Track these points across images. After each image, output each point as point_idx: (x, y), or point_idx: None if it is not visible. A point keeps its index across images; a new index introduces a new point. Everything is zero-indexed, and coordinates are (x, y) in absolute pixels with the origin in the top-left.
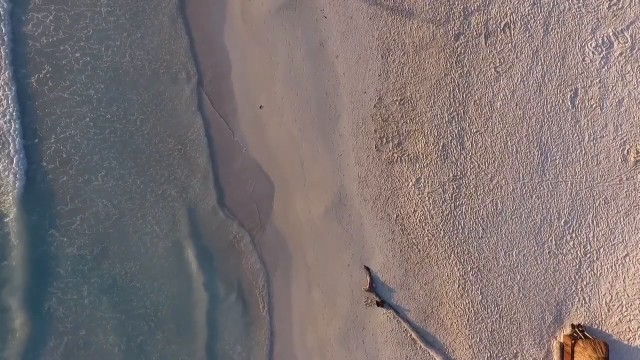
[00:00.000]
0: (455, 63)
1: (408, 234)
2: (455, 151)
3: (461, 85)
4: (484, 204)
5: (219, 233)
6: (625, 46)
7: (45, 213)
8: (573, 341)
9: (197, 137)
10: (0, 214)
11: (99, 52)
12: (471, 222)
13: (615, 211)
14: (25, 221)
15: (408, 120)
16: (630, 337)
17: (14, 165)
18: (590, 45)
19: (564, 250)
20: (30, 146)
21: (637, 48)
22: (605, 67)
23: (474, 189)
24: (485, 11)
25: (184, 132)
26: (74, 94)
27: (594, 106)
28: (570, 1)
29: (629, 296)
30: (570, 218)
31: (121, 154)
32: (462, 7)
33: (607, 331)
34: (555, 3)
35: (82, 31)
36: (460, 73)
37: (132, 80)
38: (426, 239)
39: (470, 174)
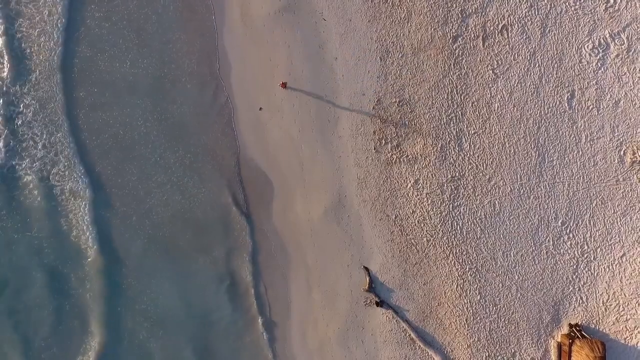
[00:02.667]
0: (454, 65)
1: (407, 234)
2: (453, 152)
3: (459, 87)
4: (482, 205)
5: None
6: (621, 48)
7: None
8: (570, 340)
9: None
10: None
11: None
12: (469, 223)
13: (612, 211)
14: None
15: (407, 122)
16: (627, 337)
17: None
18: (587, 47)
19: (562, 251)
20: None
21: (633, 50)
22: (602, 69)
23: (472, 189)
24: (483, 14)
25: None
26: None
27: (590, 107)
28: (567, 3)
29: (625, 296)
30: (567, 218)
31: None
32: (460, 9)
33: (604, 330)
34: (552, 5)
35: None
36: (458, 75)
37: None
38: (425, 239)
39: (469, 175)
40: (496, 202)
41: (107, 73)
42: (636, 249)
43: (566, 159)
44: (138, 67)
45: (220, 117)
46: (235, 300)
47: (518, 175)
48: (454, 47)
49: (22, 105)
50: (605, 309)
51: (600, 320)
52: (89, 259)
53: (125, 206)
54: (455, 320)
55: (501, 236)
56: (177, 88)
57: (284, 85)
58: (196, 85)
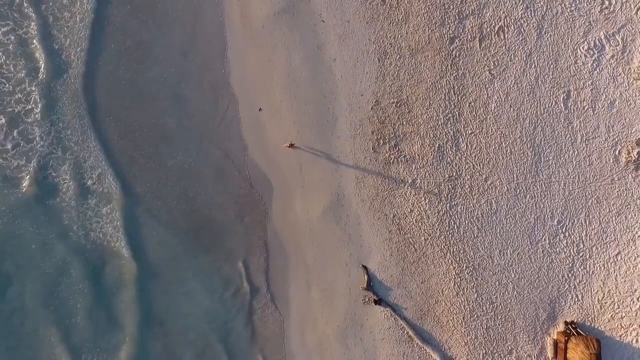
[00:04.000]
0: (451, 66)
1: (405, 233)
2: (450, 152)
3: (456, 87)
4: (478, 204)
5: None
6: (616, 49)
7: None
8: (566, 338)
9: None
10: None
11: None
12: (466, 222)
13: (607, 210)
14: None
15: (404, 122)
16: (622, 334)
17: None
18: (583, 48)
19: (558, 249)
20: None
21: (628, 51)
22: (597, 70)
23: (469, 189)
24: (480, 15)
25: None
26: None
27: (586, 108)
28: (562, 5)
29: (620, 293)
30: (563, 217)
31: None
32: (457, 11)
33: (599, 328)
34: (548, 7)
35: None
36: (455, 76)
37: None
38: (422, 238)
39: (466, 174)
40: (493, 201)
41: (128, 82)
42: (631, 247)
43: (562, 158)
44: (155, 77)
45: (226, 120)
46: (235, 299)
47: (514, 175)
48: (451, 48)
49: (53, 110)
50: (600, 307)
51: (596, 318)
52: (123, 263)
53: (152, 207)
54: (453, 318)
55: (498, 235)
56: (190, 95)
57: (291, 145)
58: (208, 93)
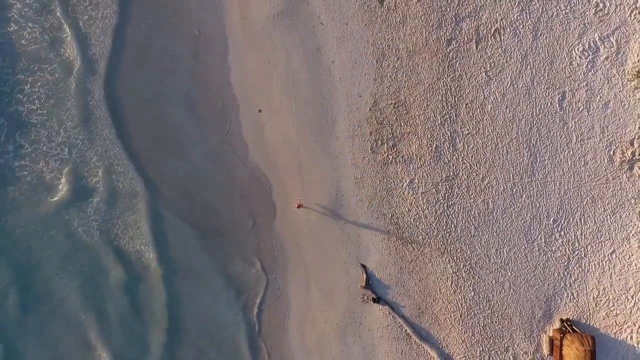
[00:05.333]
0: (448, 67)
1: (403, 232)
2: (447, 152)
3: (453, 88)
4: (475, 204)
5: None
6: (611, 51)
7: None
8: (562, 335)
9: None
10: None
11: None
12: (463, 221)
13: (602, 210)
14: None
15: (402, 123)
16: (617, 331)
17: None
18: (578, 49)
19: (553, 248)
20: None
21: (622, 52)
22: (592, 71)
23: (466, 189)
24: (476, 17)
25: None
26: None
27: (581, 109)
28: (557, 7)
29: (615, 291)
30: (559, 217)
31: None
32: (453, 13)
33: (594, 325)
34: (544, 9)
35: None
36: (452, 77)
37: None
38: (420, 237)
39: (462, 174)
40: (489, 201)
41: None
42: (625, 246)
43: (557, 158)
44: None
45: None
46: (234, 298)
47: (511, 175)
48: (448, 50)
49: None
50: (595, 305)
51: (591, 315)
52: (150, 264)
53: (172, 205)
54: (450, 316)
55: (494, 234)
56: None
57: (299, 206)
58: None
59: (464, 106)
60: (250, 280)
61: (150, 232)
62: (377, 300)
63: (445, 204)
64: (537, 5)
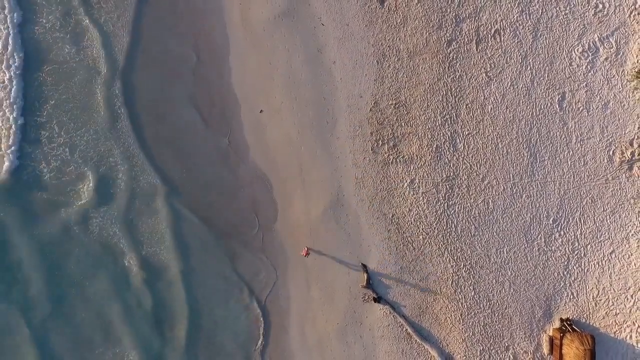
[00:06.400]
0: (448, 68)
1: (403, 232)
2: (448, 153)
3: (453, 89)
4: (476, 204)
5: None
6: (610, 51)
7: None
8: (562, 334)
9: None
10: None
11: None
12: (464, 221)
13: (602, 210)
14: None
15: (403, 123)
16: (616, 330)
17: None
18: (577, 50)
19: (553, 247)
20: None
21: (621, 53)
22: (592, 72)
23: (466, 189)
24: (476, 18)
25: None
26: None
27: (580, 109)
28: (557, 8)
29: (615, 291)
30: (558, 216)
31: None
32: (454, 14)
33: (594, 324)
34: (543, 10)
35: None
36: (453, 78)
37: None
38: (421, 237)
39: (463, 174)
40: (490, 201)
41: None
42: (625, 245)
43: (557, 158)
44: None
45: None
46: (234, 298)
47: (511, 175)
48: (449, 50)
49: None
50: (595, 304)
51: (591, 315)
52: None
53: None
54: (451, 315)
55: (494, 234)
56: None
57: (306, 253)
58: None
59: (464, 106)
60: (251, 279)
61: (170, 232)
62: (378, 299)
63: (446, 203)
64: (537, 6)
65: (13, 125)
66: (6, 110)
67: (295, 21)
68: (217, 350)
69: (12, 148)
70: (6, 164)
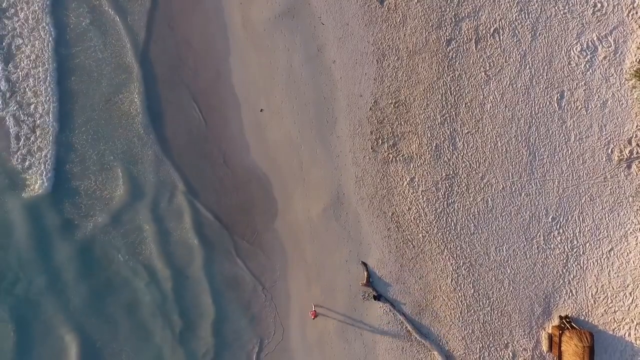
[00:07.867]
0: (447, 67)
1: (403, 230)
2: (447, 151)
3: (453, 88)
4: (475, 202)
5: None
6: (609, 50)
7: None
8: (561, 331)
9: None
10: None
11: None
12: (463, 219)
13: (600, 208)
14: None
15: (402, 122)
16: (615, 328)
17: None
18: (576, 49)
19: (552, 245)
20: None
21: (620, 52)
22: (590, 71)
23: (465, 187)
24: (476, 17)
25: None
26: None
27: (579, 107)
28: (556, 7)
29: (613, 288)
30: (557, 214)
31: None
32: (453, 13)
33: (593, 322)
34: (542, 9)
35: None
36: (452, 77)
37: None
38: (420, 235)
39: (462, 173)
40: (489, 199)
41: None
42: (623, 243)
43: (556, 157)
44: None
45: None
46: (235, 298)
47: (510, 173)
48: (448, 50)
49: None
50: (594, 302)
51: (590, 312)
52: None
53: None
54: (450, 313)
55: (494, 232)
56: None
57: (314, 315)
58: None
59: (463, 105)
60: (251, 279)
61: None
62: (378, 297)
63: (445, 202)
64: (536, 5)
65: (50, 132)
66: (42, 118)
67: (295, 21)
68: (217, 348)
69: (47, 156)
70: (43, 172)
